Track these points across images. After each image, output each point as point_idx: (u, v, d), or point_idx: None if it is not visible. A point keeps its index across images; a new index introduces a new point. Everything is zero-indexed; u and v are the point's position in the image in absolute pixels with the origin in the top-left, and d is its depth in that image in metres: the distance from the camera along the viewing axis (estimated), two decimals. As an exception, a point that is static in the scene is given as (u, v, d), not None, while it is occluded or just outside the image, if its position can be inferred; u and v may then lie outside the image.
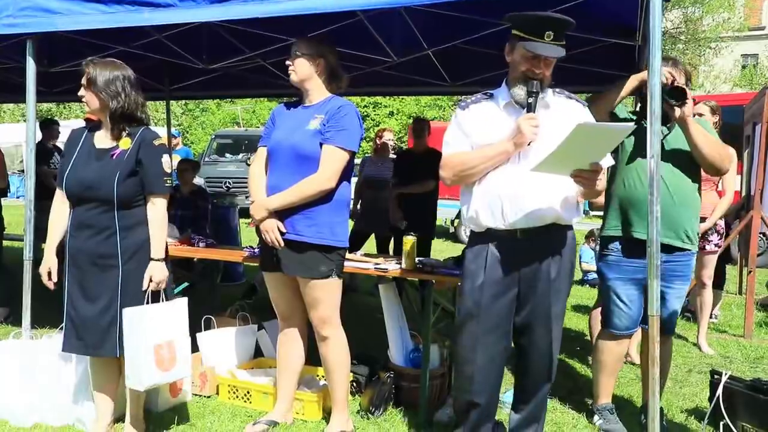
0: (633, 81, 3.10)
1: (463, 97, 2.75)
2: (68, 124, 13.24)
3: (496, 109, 2.58)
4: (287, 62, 2.95)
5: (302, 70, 2.94)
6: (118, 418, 3.08)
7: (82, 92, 2.79)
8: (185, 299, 2.96)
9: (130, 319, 2.74)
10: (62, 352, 2.99)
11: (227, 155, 15.88)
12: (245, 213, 9.19)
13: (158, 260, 2.82)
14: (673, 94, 2.88)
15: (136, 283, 2.82)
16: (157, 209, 2.84)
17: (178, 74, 6.12)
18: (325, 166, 2.85)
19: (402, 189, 5.51)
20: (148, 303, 2.80)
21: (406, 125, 25.73)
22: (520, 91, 2.50)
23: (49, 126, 7.60)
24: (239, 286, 6.56)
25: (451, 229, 11.91)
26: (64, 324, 2.88)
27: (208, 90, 6.72)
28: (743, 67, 26.75)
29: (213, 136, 17.66)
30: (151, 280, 2.80)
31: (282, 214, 2.90)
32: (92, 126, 2.93)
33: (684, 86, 2.92)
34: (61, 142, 7.89)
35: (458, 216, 11.61)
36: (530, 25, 2.42)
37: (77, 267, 2.83)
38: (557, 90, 2.63)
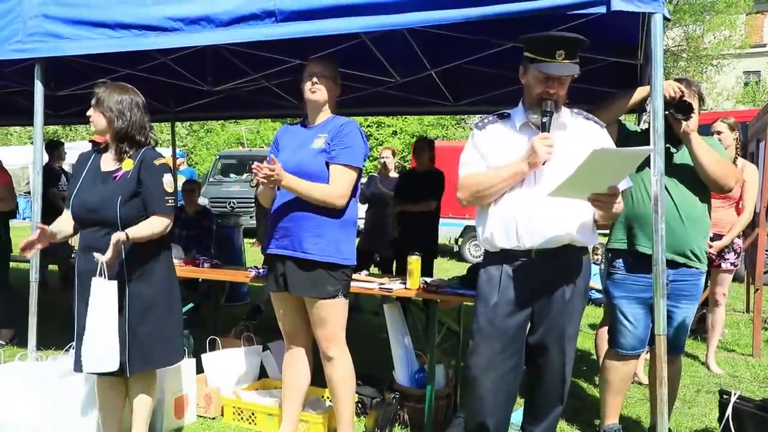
0: (642, 91, 3.09)
1: (480, 116, 2.76)
2: (74, 146, 13.35)
3: (512, 130, 2.58)
4: (314, 80, 2.96)
5: (326, 91, 2.99)
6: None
7: (89, 112, 2.83)
8: (114, 282, 2.74)
9: (102, 290, 2.66)
10: (67, 374, 2.99)
11: (231, 175, 15.95)
12: (250, 233, 9.23)
13: (127, 235, 2.70)
14: (680, 108, 2.90)
15: (143, 303, 2.83)
16: (158, 220, 2.81)
17: (183, 96, 6.17)
18: (336, 185, 2.88)
19: (402, 206, 5.52)
20: (104, 277, 2.68)
21: (409, 144, 25.77)
22: (535, 114, 2.50)
23: (55, 148, 7.68)
24: (244, 306, 6.55)
25: (456, 248, 11.89)
26: (74, 344, 2.88)
27: (212, 111, 6.76)
28: (745, 84, 26.81)
29: (217, 157, 17.74)
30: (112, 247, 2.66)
31: (291, 231, 2.91)
32: (100, 149, 2.96)
33: (690, 101, 2.93)
34: (67, 163, 7.98)
35: (462, 234, 11.63)
36: (541, 45, 2.44)
37: (85, 287, 2.82)
38: (575, 110, 2.63)
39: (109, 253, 2.64)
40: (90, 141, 5.73)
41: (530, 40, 2.49)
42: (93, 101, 2.83)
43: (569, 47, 2.42)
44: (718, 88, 24.51)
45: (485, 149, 2.58)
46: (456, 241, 11.79)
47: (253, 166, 2.81)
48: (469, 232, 11.35)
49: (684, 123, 2.91)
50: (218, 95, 5.75)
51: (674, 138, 2.97)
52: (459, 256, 11.65)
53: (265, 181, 2.76)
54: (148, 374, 2.98)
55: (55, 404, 3.14)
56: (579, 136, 2.54)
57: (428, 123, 25.98)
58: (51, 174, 7.58)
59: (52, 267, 7.39)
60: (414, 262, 3.43)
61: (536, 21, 2.91)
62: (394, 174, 6.36)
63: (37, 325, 3.51)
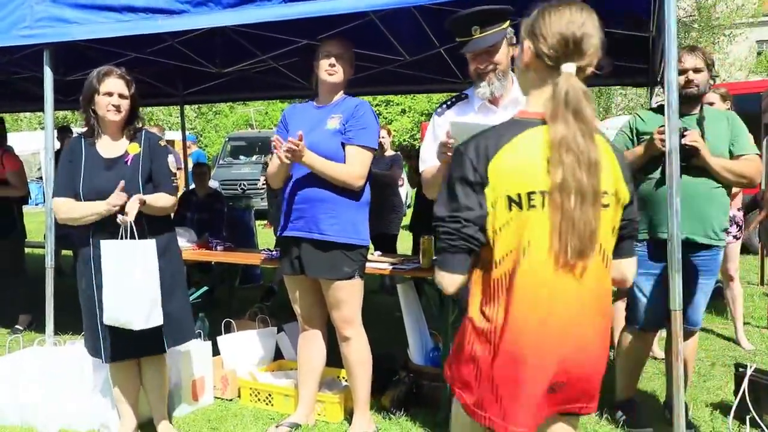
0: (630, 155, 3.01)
1: (440, 102, 2.76)
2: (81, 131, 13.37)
3: (472, 111, 2.59)
4: (332, 62, 2.94)
5: (343, 72, 2.99)
6: (140, 425, 3.11)
7: (118, 101, 2.83)
8: (152, 241, 2.81)
9: (140, 249, 2.73)
10: (82, 357, 3.06)
11: (241, 157, 15.96)
12: (261, 215, 9.21)
13: (144, 200, 2.78)
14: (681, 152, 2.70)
15: (167, 280, 2.89)
16: (167, 199, 2.92)
17: (192, 78, 6.15)
18: (355, 166, 2.88)
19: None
20: (130, 238, 2.73)
21: (418, 122, 25.66)
22: (481, 89, 2.51)
23: (63, 133, 7.71)
24: (257, 288, 6.58)
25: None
26: (99, 334, 2.87)
27: (221, 93, 6.75)
28: (758, 53, 26.39)
29: (227, 139, 17.75)
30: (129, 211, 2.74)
31: (306, 212, 2.91)
32: (86, 135, 2.94)
33: (691, 144, 2.83)
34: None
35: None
36: (457, 28, 2.48)
37: (100, 271, 2.83)
38: None
39: (132, 215, 2.71)
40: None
41: (449, 25, 2.52)
42: (126, 91, 2.85)
43: (481, 20, 2.42)
44: (730, 59, 24.15)
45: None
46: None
47: (273, 139, 2.81)
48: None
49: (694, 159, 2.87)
50: (227, 77, 5.73)
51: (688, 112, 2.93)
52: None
53: (288, 155, 2.74)
54: (160, 355, 3.02)
55: (72, 389, 3.19)
56: None
57: (437, 101, 25.82)
58: (62, 159, 7.65)
59: (66, 252, 7.47)
60: (426, 241, 3.42)
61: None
62: (389, 153, 6.32)
63: (54, 310, 3.55)
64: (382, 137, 6.35)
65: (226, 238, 4.76)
